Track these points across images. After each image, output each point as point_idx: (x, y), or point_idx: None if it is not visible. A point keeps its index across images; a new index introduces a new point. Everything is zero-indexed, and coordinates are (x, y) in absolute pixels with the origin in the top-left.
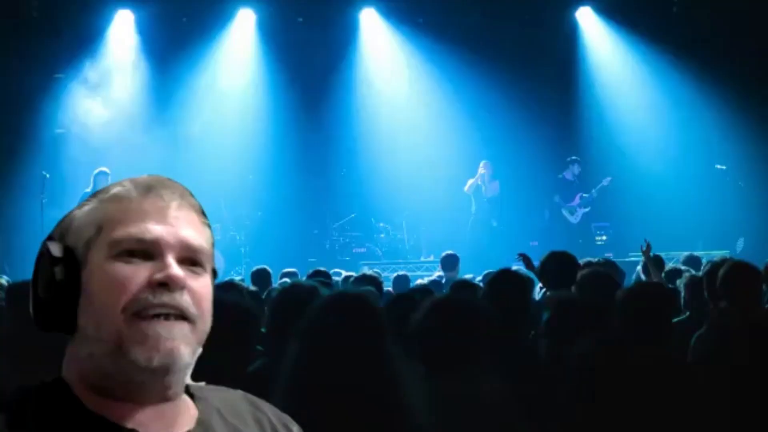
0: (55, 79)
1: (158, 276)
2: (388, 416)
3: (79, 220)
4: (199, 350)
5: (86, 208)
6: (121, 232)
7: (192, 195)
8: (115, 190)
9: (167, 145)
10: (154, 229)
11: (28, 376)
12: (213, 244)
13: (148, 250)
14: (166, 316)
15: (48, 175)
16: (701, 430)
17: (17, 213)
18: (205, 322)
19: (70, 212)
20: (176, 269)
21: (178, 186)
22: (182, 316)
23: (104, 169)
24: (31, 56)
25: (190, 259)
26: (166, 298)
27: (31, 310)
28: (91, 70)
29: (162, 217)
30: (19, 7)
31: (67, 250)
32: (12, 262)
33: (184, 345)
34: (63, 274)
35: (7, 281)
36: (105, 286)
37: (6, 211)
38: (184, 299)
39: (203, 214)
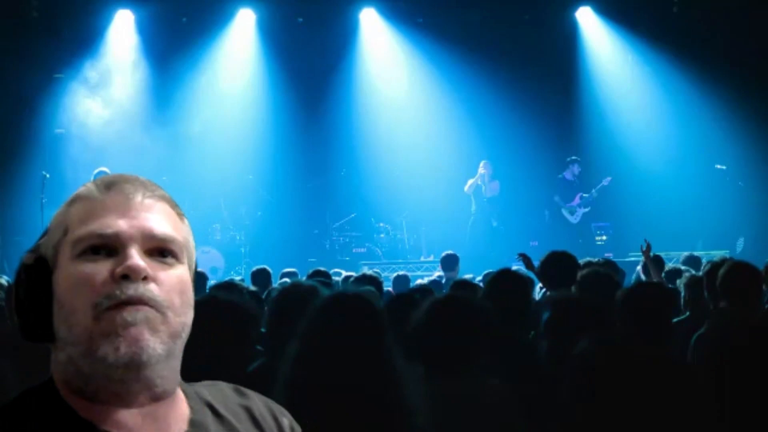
0: (55, 79)
1: (119, 269)
2: (388, 416)
3: (50, 227)
4: (178, 345)
5: (56, 213)
6: (82, 231)
7: (159, 187)
8: (78, 192)
9: (167, 145)
10: (115, 223)
11: (28, 376)
12: (190, 235)
13: (111, 245)
14: (133, 304)
15: (48, 175)
16: (701, 430)
17: (17, 213)
18: (179, 314)
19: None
20: (136, 259)
21: (143, 180)
22: (149, 305)
23: (104, 169)
24: (31, 56)
25: (158, 249)
26: (131, 290)
27: (17, 322)
28: (91, 70)
29: (124, 211)
30: (19, 7)
31: (39, 258)
32: (12, 262)
33: (149, 332)
34: (34, 281)
35: (7, 281)
36: (71, 286)
37: (6, 211)
38: (149, 289)
39: (176, 205)
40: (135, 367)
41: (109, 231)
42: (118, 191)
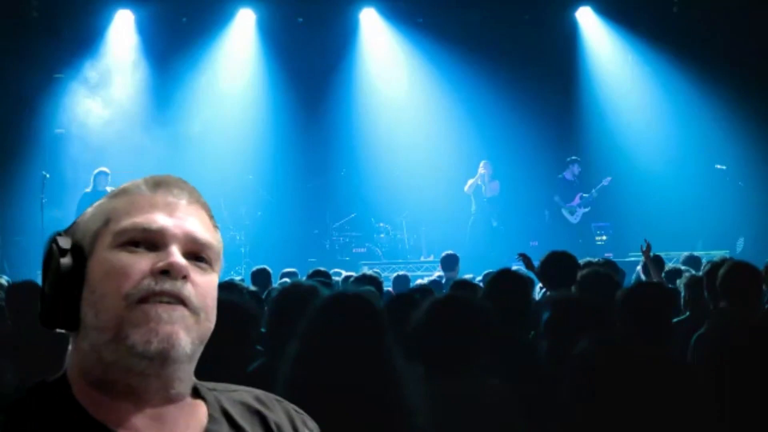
0: (55, 79)
1: (160, 264)
2: (388, 416)
3: (88, 215)
4: (200, 350)
5: (95, 204)
6: (126, 222)
7: (201, 195)
8: (125, 186)
9: (167, 145)
10: (161, 220)
11: (28, 375)
12: (222, 247)
13: (153, 241)
14: (168, 302)
15: (48, 175)
16: (701, 430)
17: (17, 213)
18: (209, 318)
19: (84, 212)
20: (179, 257)
21: (189, 185)
22: (183, 304)
23: (104, 169)
24: (31, 56)
25: (196, 253)
26: (167, 285)
27: (39, 307)
28: (91, 70)
29: (170, 210)
30: (19, 7)
31: (75, 244)
32: (12, 262)
33: (184, 331)
34: (69, 266)
35: (7, 281)
36: (107, 274)
37: (6, 211)
38: (186, 288)
39: (212, 216)
40: (162, 360)
41: (155, 226)
42: (166, 191)
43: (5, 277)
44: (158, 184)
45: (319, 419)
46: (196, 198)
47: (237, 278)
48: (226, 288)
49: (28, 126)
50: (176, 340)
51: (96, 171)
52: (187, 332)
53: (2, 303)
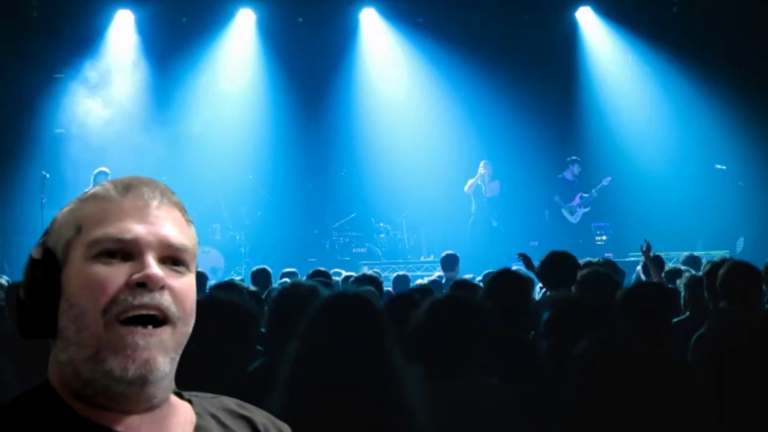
0: (55, 79)
1: (137, 276)
2: (388, 416)
3: (59, 222)
4: (179, 352)
5: (66, 209)
6: (99, 232)
7: (173, 193)
8: (94, 190)
9: (167, 145)
10: (134, 228)
11: (28, 375)
12: (197, 243)
13: (128, 250)
14: (144, 324)
15: (48, 175)
16: (701, 430)
17: (17, 213)
18: (187, 324)
19: (55, 215)
20: (155, 268)
21: (159, 184)
22: (163, 317)
23: (104, 169)
24: (31, 56)
25: (172, 257)
26: (146, 298)
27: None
28: (91, 70)
29: (142, 216)
30: (19, 7)
31: (47, 252)
32: (12, 262)
33: (162, 355)
34: (41, 277)
35: (7, 281)
36: (84, 288)
37: (6, 211)
38: (165, 299)
39: (185, 212)
40: (140, 384)
41: (128, 236)
42: (136, 195)
43: (5, 277)
44: (128, 187)
45: (319, 419)
46: (168, 197)
47: (237, 278)
48: (226, 288)
49: (28, 126)
50: (153, 365)
51: (96, 171)
52: (165, 354)
53: (2, 303)
